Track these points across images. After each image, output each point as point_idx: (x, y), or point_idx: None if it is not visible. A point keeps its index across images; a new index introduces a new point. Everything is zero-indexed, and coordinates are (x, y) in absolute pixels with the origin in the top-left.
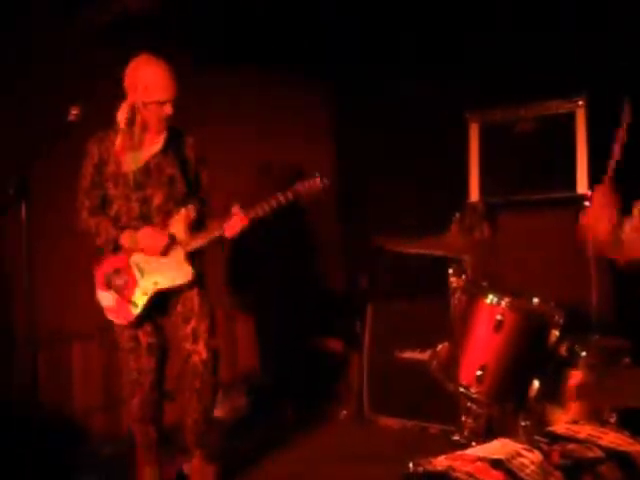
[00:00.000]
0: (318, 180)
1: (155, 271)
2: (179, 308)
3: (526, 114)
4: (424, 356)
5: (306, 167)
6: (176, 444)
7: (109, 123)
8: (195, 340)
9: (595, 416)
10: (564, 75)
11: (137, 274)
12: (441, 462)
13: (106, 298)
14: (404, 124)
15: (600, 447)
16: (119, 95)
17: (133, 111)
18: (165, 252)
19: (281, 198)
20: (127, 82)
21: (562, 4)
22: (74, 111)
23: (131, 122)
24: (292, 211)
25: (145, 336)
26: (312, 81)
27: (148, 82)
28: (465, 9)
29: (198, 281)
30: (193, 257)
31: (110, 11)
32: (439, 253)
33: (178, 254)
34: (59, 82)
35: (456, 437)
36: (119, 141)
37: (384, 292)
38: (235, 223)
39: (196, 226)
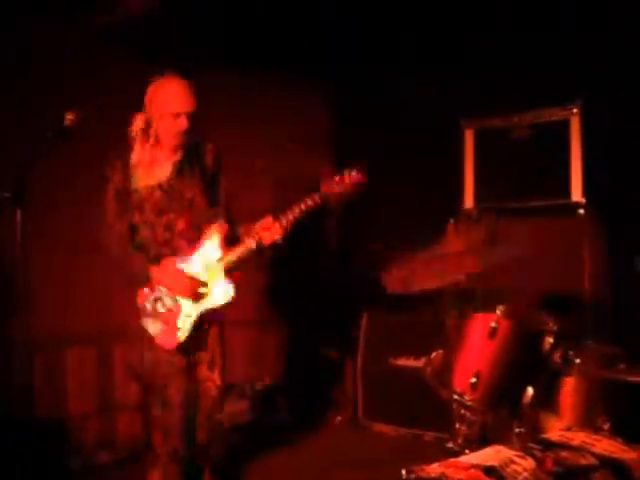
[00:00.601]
0: (347, 177)
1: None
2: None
3: (521, 121)
4: (418, 363)
5: (306, 167)
6: None
7: (109, 124)
8: (211, 368)
9: (589, 423)
10: (563, 76)
11: (180, 298)
12: (434, 469)
13: (152, 326)
14: (404, 124)
15: (594, 454)
16: (119, 94)
17: (147, 123)
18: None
19: (309, 202)
20: (147, 99)
21: (562, 4)
22: (69, 116)
23: (144, 135)
24: None
25: (179, 358)
26: (312, 81)
27: (166, 95)
28: (465, 9)
29: None
30: (231, 274)
31: (110, 11)
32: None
33: (218, 272)
34: (59, 82)
35: (450, 444)
36: (135, 153)
37: (380, 296)
38: (273, 231)
39: (229, 241)
